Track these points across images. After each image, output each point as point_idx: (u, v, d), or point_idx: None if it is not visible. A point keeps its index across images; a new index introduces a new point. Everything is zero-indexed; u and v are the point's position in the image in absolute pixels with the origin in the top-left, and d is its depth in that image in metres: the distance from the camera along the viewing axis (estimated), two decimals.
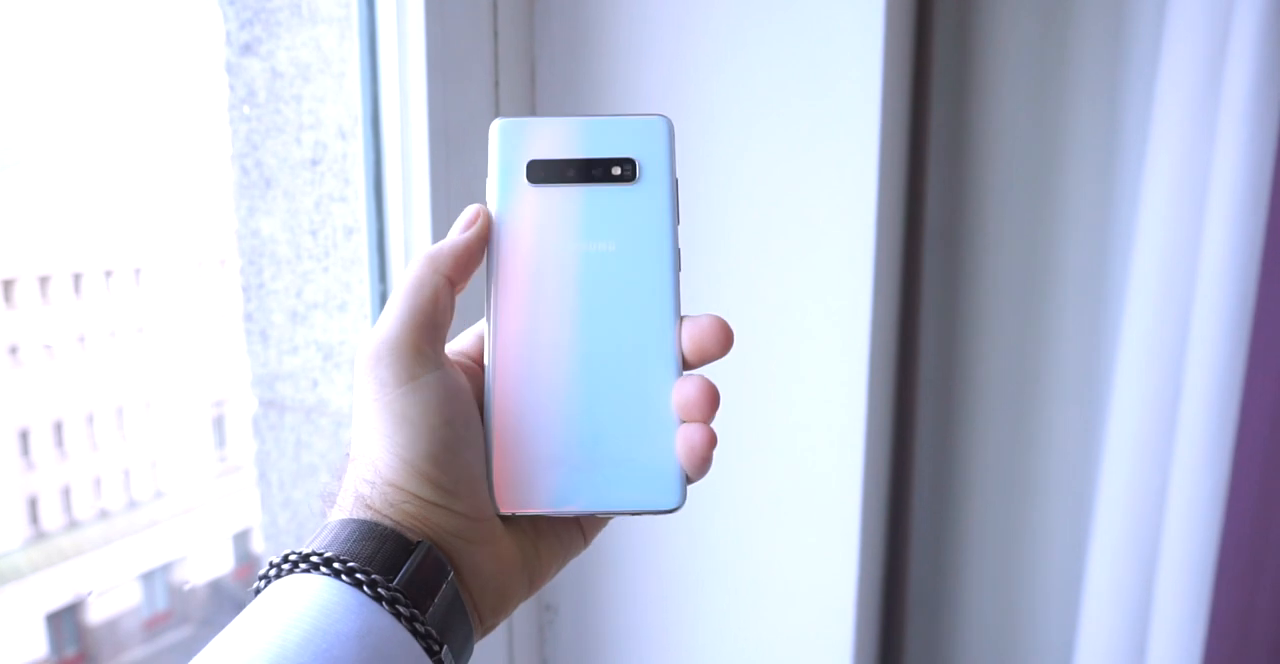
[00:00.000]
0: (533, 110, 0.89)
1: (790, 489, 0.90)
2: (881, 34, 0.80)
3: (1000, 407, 1.00)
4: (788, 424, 0.89)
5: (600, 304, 0.42)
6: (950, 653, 1.08)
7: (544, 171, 0.43)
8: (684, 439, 0.42)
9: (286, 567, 0.39)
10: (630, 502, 0.42)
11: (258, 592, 0.39)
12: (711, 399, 0.42)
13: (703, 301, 0.86)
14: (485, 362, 0.43)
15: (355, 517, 0.40)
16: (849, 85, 0.81)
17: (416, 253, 0.81)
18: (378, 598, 0.37)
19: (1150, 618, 0.87)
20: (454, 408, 0.41)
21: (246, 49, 0.83)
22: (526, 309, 0.43)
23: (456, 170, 0.81)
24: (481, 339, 0.45)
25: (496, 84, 0.85)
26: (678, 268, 0.43)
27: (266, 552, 0.95)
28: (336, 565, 0.38)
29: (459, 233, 0.43)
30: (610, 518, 0.46)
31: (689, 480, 0.42)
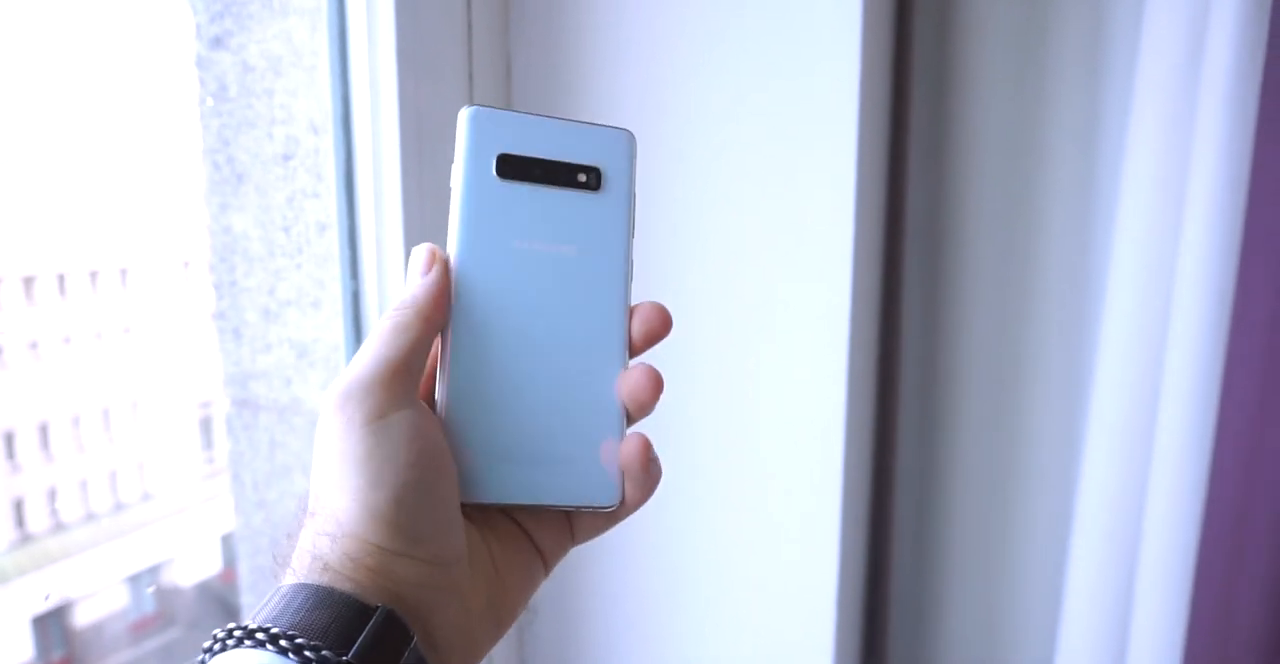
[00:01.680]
0: (509, 104, 0.88)
1: (770, 488, 0.89)
2: (860, 29, 0.79)
3: (982, 403, 1.00)
4: (767, 422, 0.88)
5: (554, 304, 0.43)
6: (932, 653, 1.07)
7: (514, 168, 0.43)
8: (625, 446, 0.42)
9: (232, 641, 0.36)
10: (571, 496, 0.43)
11: (202, 663, 0.37)
12: (655, 384, 0.43)
13: (682, 299, 0.85)
14: (440, 352, 0.43)
15: (309, 581, 0.38)
16: (827, 79, 0.81)
17: (388, 251, 0.80)
18: None
19: (1131, 615, 0.86)
20: (422, 446, 0.40)
21: (217, 42, 0.82)
22: (484, 303, 0.43)
23: (429, 166, 0.80)
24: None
25: (471, 78, 0.84)
26: (630, 276, 0.44)
27: (242, 554, 0.94)
28: (284, 642, 0.36)
29: (421, 276, 0.42)
30: (566, 548, 0.46)
31: (646, 487, 0.43)
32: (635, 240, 0.45)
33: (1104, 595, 0.88)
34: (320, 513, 0.40)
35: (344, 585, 0.38)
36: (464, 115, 0.44)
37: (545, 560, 0.45)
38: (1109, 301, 0.85)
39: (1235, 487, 0.85)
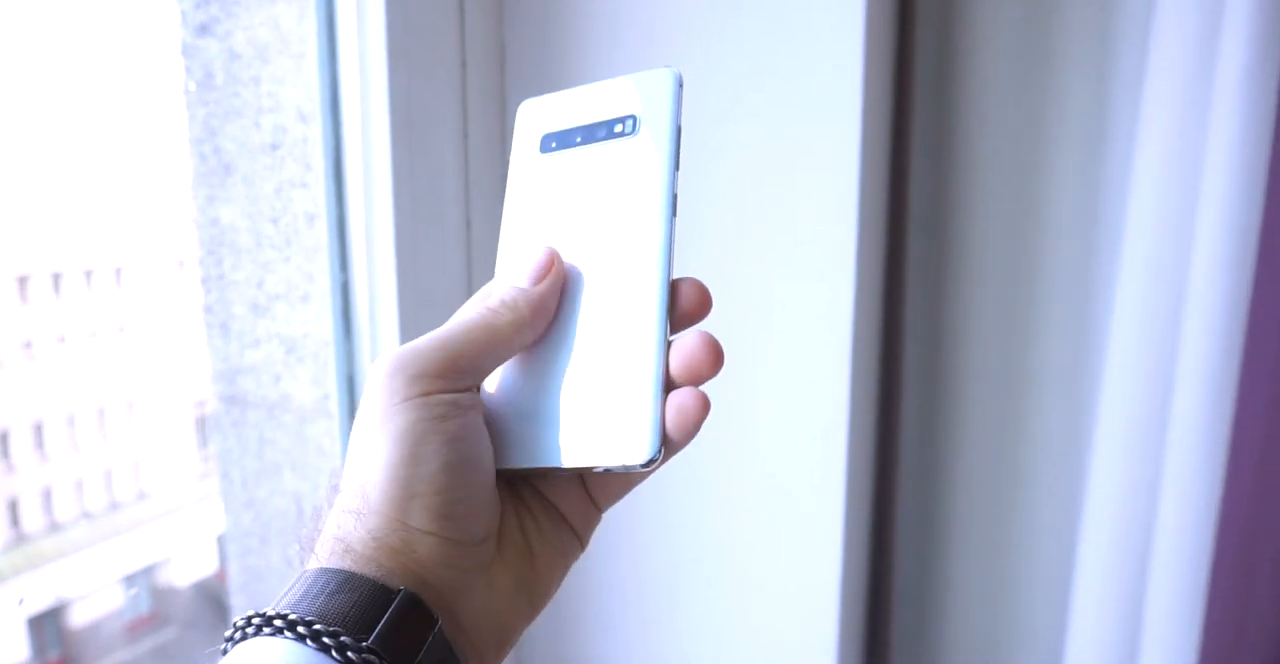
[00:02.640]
0: (502, 92, 0.86)
1: (772, 486, 0.88)
2: (863, 21, 0.78)
3: (986, 400, 0.98)
4: (769, 420, 0.86)
5: (592, 262, 0.42)
6: (937, 653, 1.06)
7: (554, 142, 0.44)
8: (676, 401, 0.39)
9: (250, 629, 0.36)
10: (605, 458, 0.40)
11: (224, 652, 0.37)
12: (715, 353, 0.40)
13: None
14: None
15: (330, 566, 0.37)
16: (830, 73, 0.79)
17: (378, 242, 0.78)
18: (347, 663, 0.34)
19: (1143, 617, 0.85)
20: (463, 423, 0.39)
21: (203, 29, 0.80)
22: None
23: (420, 154, 0.78)
24: None
25: (464, 65, 0.82)
26: (673, 215, 0.42)
27: (232, 554, 0.92)
28: (301, 628, 0.35)
29: (530, 279, 0.41)
30: (594, 517, 0.44)
31: (674, 445, 0.40)
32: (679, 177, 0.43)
33: (1114, 600, 0.86)
34: (348, 489, 0.39)
35: (366, 568, 0.37)
36: (519, 112, 0.45)
37: (579, 534, 0.44)
38: (1119, 297, 0.84)
39: (1251, 486, 0.83)
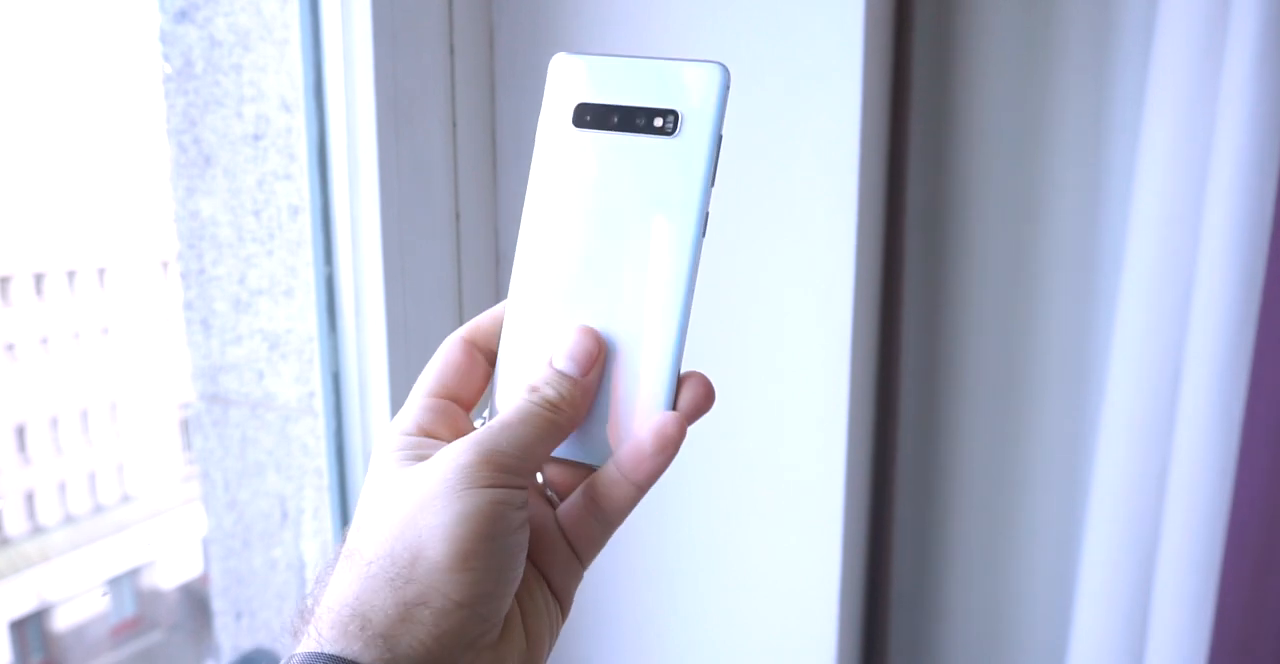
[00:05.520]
0: (491, 78, 0.84)
1: (771, 484, 0.87)
2: (861, 18, 0.76)
3: (986, 397, 0.97)
4: (767, 417, 0.85)
5: (616, 263, 0.42)
6: (935, 654, 1.05)
7: (589, 115, 0.42)
8: (659, 423, 0.41)
9: None
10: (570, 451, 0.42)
11: None
12: (710, 397, 0.42)
13: None
14: (505, 308, 0.44)
15: (337, 653, 0.36)
16: (829, 68, 0.78)
17: (364, 235, 0.76)
18: None
19: (1149, 621, 0.83)
20: (525, 517, 0.40)
21: (182, 16, 0.78)
22: (548, 259, 0.42)
23: (406, 144, 0.76)
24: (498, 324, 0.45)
25: (451, 51, 0.80)
26: (703, 230, 0.42)
27: (213, 557, 0.90)
28: None
29: (577, 368, 0.42)
30: (577, 579, 0.44)
31: (656, 469, 0.41)
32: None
33: (1119, 602, 0.85)
34: (383, 557, 0.37)
35: (377, 653, 0.36)
36: (551, 65, 0.43)
37: (562, 601, 0.43)
38: (1123, 294, 0.82)
39: (1262, 485, 0.82)
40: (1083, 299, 0.92)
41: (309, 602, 0.39)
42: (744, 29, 0.79)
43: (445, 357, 0.44)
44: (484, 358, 0.44)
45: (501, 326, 0.44)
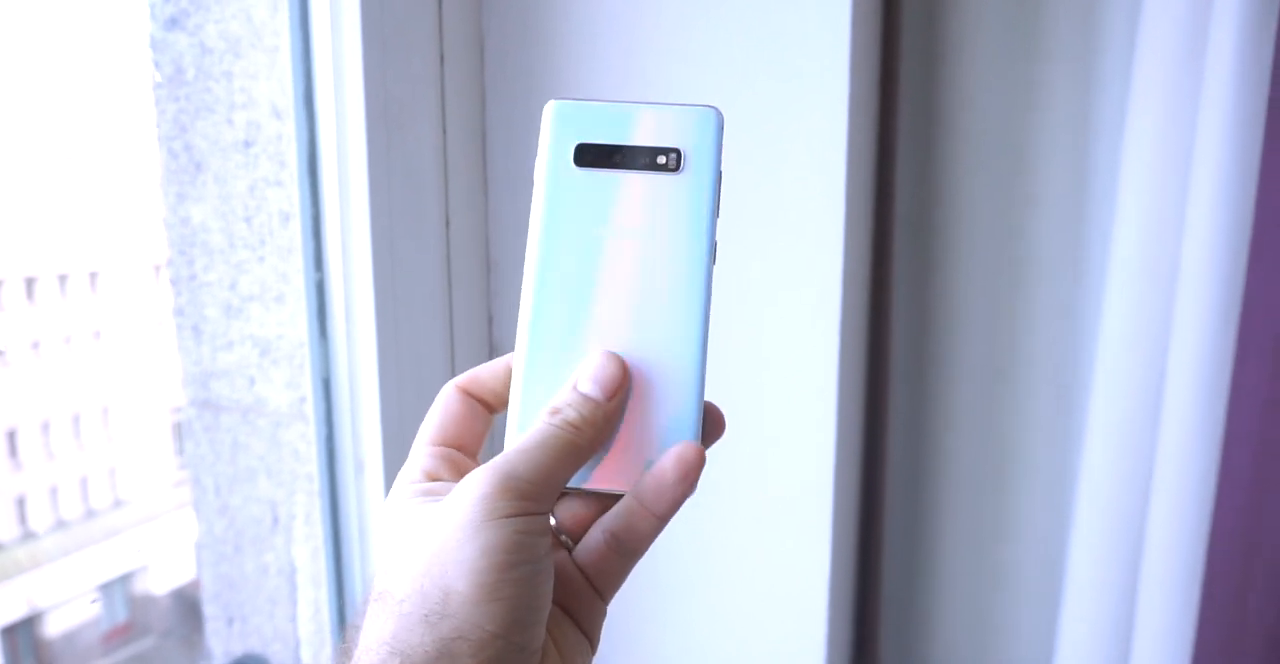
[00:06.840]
0: (481, 86, 0.84)
1: (760, 485, 0.87)
2: (849, 18, 0.77)
3: (974, 397, 0.98)
4: (757, 419, 0.85)
5: (632, 293, 0.43)
6: (925, 657, 1.05)
7: (591, 155, 0.43)
8: (679, 451, 0.41)
9: None
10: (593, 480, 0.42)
11: None
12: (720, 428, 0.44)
13: None
14: (517, 340, 0.43)
15: None
16: (816, 69, 0.78)
17: (354, 241, 0.76)
18: None
19: (1135, 618, 0.84)
20: (549, 544, 0.40)
21: (173, 23, 0.78)
22: (561, 291, 0.43)
23: (398, 151, 0.76)
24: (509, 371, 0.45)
25: (441, 58, 0.80)
26: (713, 259, 0.44)
27: (204, 562, 0.90)
28: None
29: (602, 392, 0.41)
30: (602, 616, 0.44)
31: (678, 498, 0.41)
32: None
33: (1105, 599, 0.85)
34: (414, 595, 0.37)
35: None
36: (546, 111, 0.44)
37: (590, 636, 0.43)
38: (1109, 294, 0.83)
39: (1246, 483, 0.82)
40: (1069, 300, 0.93)
41: (345, 645, 0.40)
42: (732, 30, 0.79)
43: (444, 405, 0.44)
44: (483, 406, 0.44)
45: (502, 378, 0.44)
